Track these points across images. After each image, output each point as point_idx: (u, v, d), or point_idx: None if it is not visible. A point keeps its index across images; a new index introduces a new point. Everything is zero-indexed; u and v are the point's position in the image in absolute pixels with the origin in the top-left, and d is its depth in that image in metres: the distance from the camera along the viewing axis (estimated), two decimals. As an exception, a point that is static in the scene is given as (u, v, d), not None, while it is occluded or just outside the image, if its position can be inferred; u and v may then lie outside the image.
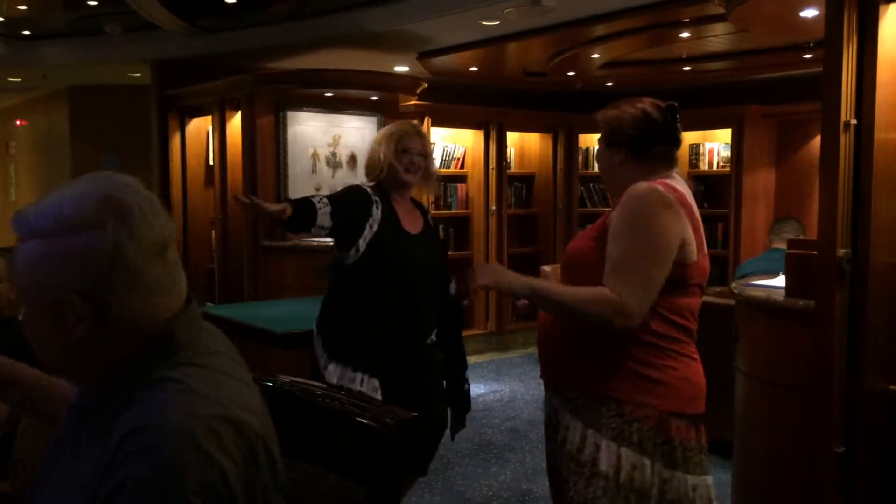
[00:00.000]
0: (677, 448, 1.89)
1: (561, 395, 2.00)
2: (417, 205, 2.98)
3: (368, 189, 2.77)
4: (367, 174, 2.87)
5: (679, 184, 1.95)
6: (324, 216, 2.61)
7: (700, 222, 1.92)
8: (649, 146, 1.97)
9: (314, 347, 2.82)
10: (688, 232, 1.86)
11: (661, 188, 1.88)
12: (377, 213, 2.71)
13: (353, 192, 2.79)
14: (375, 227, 2.70)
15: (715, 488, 1.97)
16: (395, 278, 2.69)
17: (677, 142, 2.02)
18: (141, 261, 1.03)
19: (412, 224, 2.84)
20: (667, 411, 1.88)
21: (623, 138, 2.00)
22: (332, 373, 2.70)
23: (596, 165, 7.31)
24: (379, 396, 2.63)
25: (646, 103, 2.03)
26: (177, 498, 0.90)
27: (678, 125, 2.04)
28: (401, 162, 2.78)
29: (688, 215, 1.88)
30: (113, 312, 1.02)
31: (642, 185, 1.89)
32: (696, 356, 1.96)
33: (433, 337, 2.87)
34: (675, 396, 1.89)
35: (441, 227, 3.07)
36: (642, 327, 1.86)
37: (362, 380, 2.66)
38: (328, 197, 2.72)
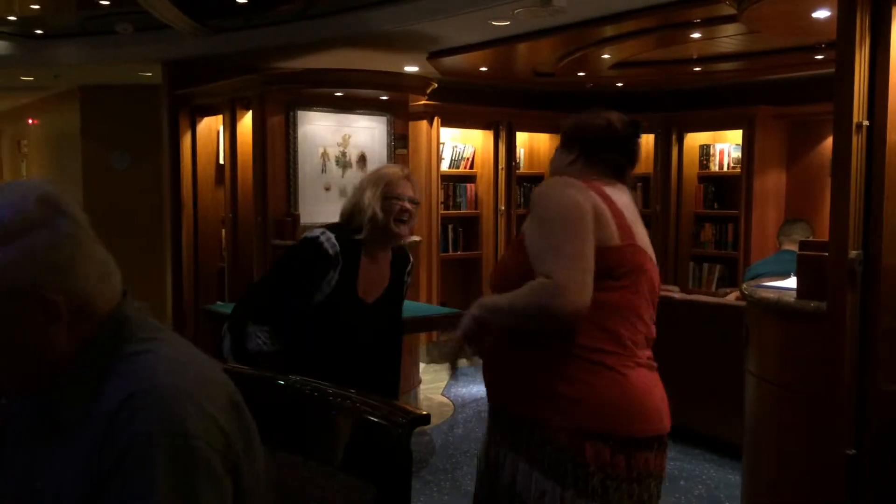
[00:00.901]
0: (594, 475, 1.70)
1: (497, 412, 1.91)
2: (398, 257, 2.74)
3: (332, 251, 2.50)
4: (347, 222, 2.60)
5: (612, 191, 1.87)
6: (269, 351, 2.47)
7: (631, 224, 1.83)
8: (603, 150, 1.93)
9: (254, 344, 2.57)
10: (600, 213, 1.76)
11: (566, 178, 1.85)
12: (334, 276, 2.51)
13: (307, 263, 2.52)
14: (328, 291, 2.52)
15: None
16: (340, 342, 2.54)
17: (632, 155, 1.97)
18: (90, 247, 1.10)
19: (372, 288, 2.63)
20: (582, 431, 1.70)
21: (579, 140, 1.97)
22: None
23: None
24: None
25: (612, 115, 1.99)
26: (185, 444, 0.97)
27: (637, 141, 2.00)
28: (390, 211, 2.54)
29: (603, 198, 1.80)
30: (81, 301, 1.05)
31: (548, 180, 1.88)
32: (628, 368, 1.75)
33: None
34: (592, 415, 1.71)
35: (407, 280, 2.80)
36: (570, 339, 1.73)
37: None
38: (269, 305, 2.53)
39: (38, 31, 5.70)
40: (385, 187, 2.56)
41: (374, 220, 2.54)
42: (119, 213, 6.99)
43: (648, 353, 1.84)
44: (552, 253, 1.71)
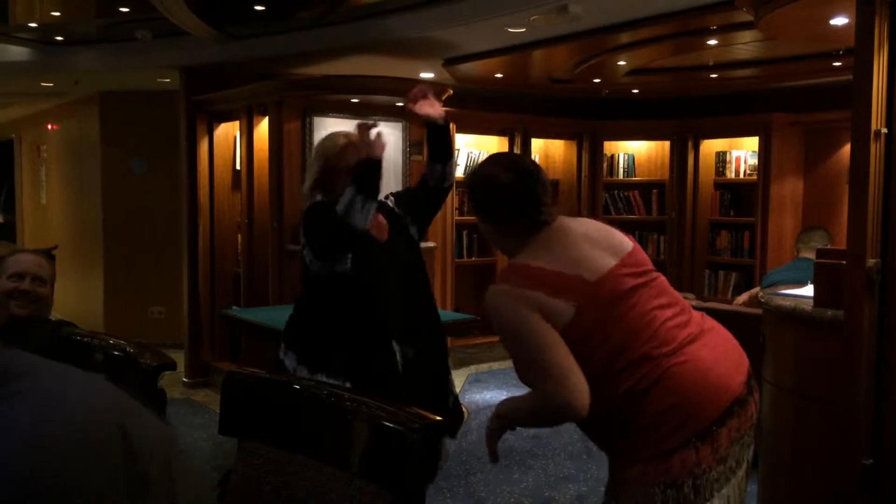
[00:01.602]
0: (686, 483, 1.74)
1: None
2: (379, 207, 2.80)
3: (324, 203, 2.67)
4: (328, 192, 2.72)
5: (540, 251, 1.86)
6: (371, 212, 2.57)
7: (570, 274, 1.80)
8: (514, 217, 1.90)
9: (284, 361, 2.73)
10: (543, 302, 1.77)
11: (502, 286, 1.84)
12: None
13: (325, 217, 2.62)
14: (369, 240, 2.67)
15: (735, 495, 1.84)
16: (379, 285, 2.67)
17: (538, 205, 1.89)
18: None
19: (378, 231, 2.74)
20: (664, 451, 1.74)
21: (487, 212, 1.95)
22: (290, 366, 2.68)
23: (621, 173, 7.31)
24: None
25: (498, 169, 1.93)
26: None
27: (538, 186, 1.90)
28: (335, 181, 2.69)
29: (534, 284, 1.79)
30: None
31: (490, 293, 1.85)
32: (682, 362, 1.77)
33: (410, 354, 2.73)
34: (662, 433, 1.75)
35: (390, 200, 2.91)
36: (602, 399, 1.75)
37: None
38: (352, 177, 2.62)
39: (59, 38, 5.77)
40: (326, 159, 2.75)
41: (333, 191, 2.68)
42: (137, 218, 7.05)
43: (689, 330, 1.84)
44: (533, 369, 1.77)
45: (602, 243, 1.89)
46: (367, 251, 2.66)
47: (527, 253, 1.88)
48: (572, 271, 1.81)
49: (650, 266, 1.93)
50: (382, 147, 2.61)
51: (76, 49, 5.92)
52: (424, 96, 2.74)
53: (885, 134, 2.23)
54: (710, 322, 1.92)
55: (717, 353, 1.84)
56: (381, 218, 2.76)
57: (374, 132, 2.60)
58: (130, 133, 7.07)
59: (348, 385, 2.51)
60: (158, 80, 6.33)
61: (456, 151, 6.51)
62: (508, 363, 6.53)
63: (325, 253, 2.64)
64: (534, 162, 2.00)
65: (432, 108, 2.73)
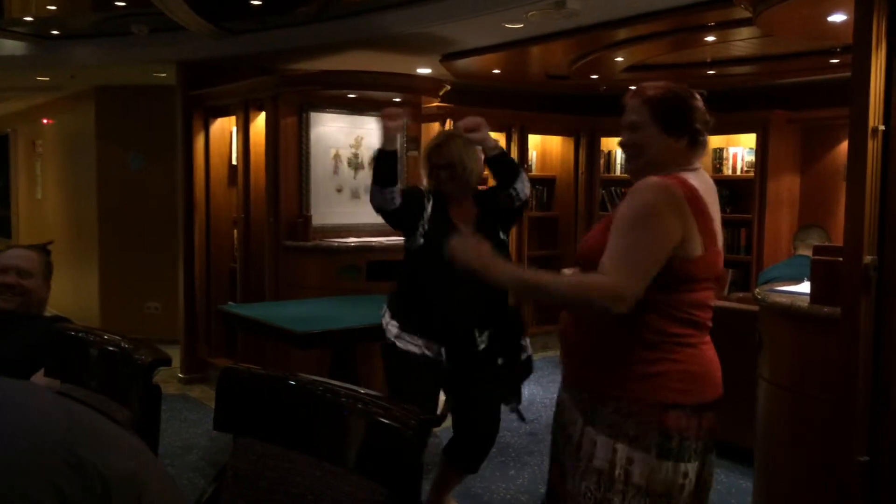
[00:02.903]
0: (674, 438, 1.91)
1: (573, 394, 2.06)
2: (479, 198, 3.16)
3: (423, 188, 3.15)
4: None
5: (697, 177, 1.98)
6: (398, 193, 3.03)
7: (714, 217, 1.95)
8: (700, 132, 2.02)
9: (382, 315, 3.14)
10: (690, 228, 1.89)
11: (671, 183, 1.91)
12: (429, 207, 3.08)
13: (411, 189, 3.20)
14: (427, 219, 3.05)
15: (712, 471, 2.05)
16: (443, 264, 2.81)
17: (707, 127, 2.07)
18: None
19: (465, 219, 3.06)
20: (665, 403, 1.90)
21: (685, 124, 2.01)
22: (395, 336, 3.04)
23: (619, 169, 7.30)
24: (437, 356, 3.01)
25: (689, 91, 2.06)
26: None
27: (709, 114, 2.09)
28: (429, 175, 3.13)
29: (695, 211, 1.90)
30: None
31: (652, 181, 1.92)
32: (703, 344, 1.98)
33: (486, 338, 3.06)
34: (674, 388, 1.91)
35: (502, 195, 3.14)
36: (647, 326, 1.91)
37: (421, 343, 2.99)
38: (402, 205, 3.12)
39: (54, 32, 5.75)
40: (426, 158, 3.16)
41: (430, 185, 3.16)
42: (133, 213, 7.03)
43: (711, 326, 2.04)
44: (621, 254, 1.87)
45: (718, 222, 2.02)
46: (442, 235, 2.86)
47: (693, 178, 1.96)
48: (715, 227, 1.96)
49: None
50: (389, 138, 3.05)
51: (72, 43, 5.89)
52: (477, 127, 2.94)
53: (883, 131, 2.22)
54: None
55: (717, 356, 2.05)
56: (470, 208, 3.11)
57: (392, 123, 3.01)
58: (126, 128, 7.05)
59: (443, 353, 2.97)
60: (154, 74, 6.31)
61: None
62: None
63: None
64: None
65: (479, 134, 2.94)
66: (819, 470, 2.55)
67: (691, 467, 1.95)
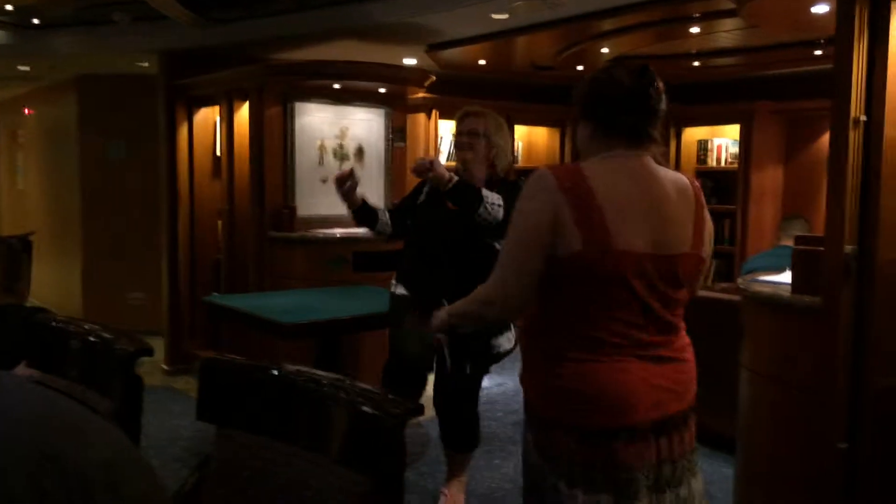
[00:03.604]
0: (562, 459, 1.76)
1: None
2: (503, 187, 3.11)
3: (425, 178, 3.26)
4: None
5: (605, 165, 1.77)
6: (384, 225, 3.30)
7: (609, 210, 1.70)
8: (615, 114, 1.79)
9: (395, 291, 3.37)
10: (563, 220, 1.69)
11: (547, 172, 1.76)
12: (425, 189, 3.28)
13: (416, 186, 3.40)
14: (420, 202, 3.28)
15: None
16: (426, 244, 3.20)
17: (648, 113, 1.80)
18: None
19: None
20: (554, 420, 1.79)
21: (590, 106, 1.85)
22: (393, 286, 3.35)
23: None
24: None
25: (616, 68, 1.85)
26: None
27: (651, 93, 1.80)
28: (455, 145, 3.29)
29: (575, 203, 1.70)
30: None
31: (536, 171, 1.80)
32: (607, 363, 1.73)
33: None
34: (559, 407, 1.77)
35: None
36: (541, 333, 1.80)
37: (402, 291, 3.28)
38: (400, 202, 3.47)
39: (35, 21, 5.68)
40: (456, 126, 3.30)
41: (456, 156, 3.32)
42: (115, 203, 6.98)
43: (645, 341, 1.77)
44: (505, 258, 1.81)
45: (666, 223, 1.77)
46: (429, 213, 3.24)
47: (597, 166, 1.79)
48: (611, 221, 1.71)
49: (680, 279, 1.79)
50: (347, 201, 3.26)
51: (53, 32, 5.83)
52: (425, 169, 2.98)
53: (865, 122, 2.24)
54: (685, 354, 1.87)
55: (654, 381, 1.78)
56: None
57: (341, 189, 3.19)
58: (108, 118, 6.99)
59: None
60: (137, 64, 6.25)
61: (439, 138, 6.50)
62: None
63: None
64: (654, 78, 1.83)
65: (434, 173, 2.95)
66: (799, 457, 2.58)
67: (599, 498, 1.74)
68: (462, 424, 3.34)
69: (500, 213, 2.95)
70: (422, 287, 3.21)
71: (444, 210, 3.15)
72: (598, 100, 1.83)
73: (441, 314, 2.06)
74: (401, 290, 3.33)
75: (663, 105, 1.83)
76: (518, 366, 1.99)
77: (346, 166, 5.35)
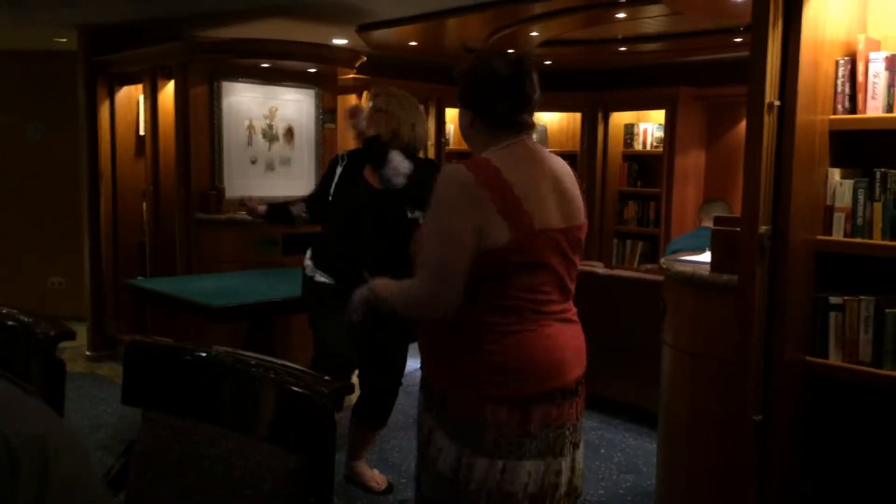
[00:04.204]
0: (488, 432, 1.82)
1: (421, 387, 2.04)
2: (420, 166, 3.23)
3: (344, 154, 3.37)
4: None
5: (510, 153, 1.85)
6: (299, 217, 3.45)
7: (522, 196, 1.80)
8: (493, 103, 1.85)
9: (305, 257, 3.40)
10: (488, 216, 1.76)
11: (462, 169, 1.80)
12: (339, 170, 3.29)
13: (329, 165, 3.42)
14: (336, 181, 3.28)
15: (540, 475, 1.86)
16: (347, 219, 3.22)
17: (525, 101, 1.86)
18: None
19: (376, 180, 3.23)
20: (482, 396, 1.83)
21: (468, 96, 1.91)
22: (311, 272, 3.32)
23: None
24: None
25: (494, 56, 1.90)
26: None
27: (528, 81, 1.86)
28: (369, 118, 3.28)
29: (494, 196, 1.77)
30: None
31: (445, 170, 1.84)
32: (528, 332, 1.83)
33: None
34: (489, 380, 1.82)
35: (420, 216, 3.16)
36: (465, 316, 1.82)
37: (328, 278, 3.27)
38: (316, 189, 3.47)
39: (-58, -9, 5.38)
40: (368, 102, 3.37)
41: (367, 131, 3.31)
42: (33, 184, 6.70)
43: (558, 309, 1.90)
44: (429, 258, 1.84)
45: (565, 197, 1.90)
46: (347, 192, 3.27)
47: (499, 157, 1.84)
48: (528, 206, 1.81)
49: (580, 246, 1.97)
50: (255, 215, 3.71)
51: (-39, 4, 5.53)
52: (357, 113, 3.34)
53: (778, 106, 2.33)
54: (576, 318, 1.99)
55: (571, 343, 1.92)
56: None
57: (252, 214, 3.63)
58: (24, 96, 6.69)
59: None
60: (55, 39, 6.00)
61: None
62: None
63: None
64: (531, 66, 1.89)
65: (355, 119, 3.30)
66: (717, 429, 2.70)
67: (523, 465, 1.83)
68: (394, 398, 3.40)
69: (401, 182, 3.16)
70: (349, 265, 3.20)
71: (361, 184, 3.22)
72: (479, 89, 1.89)
73: (363, 291, 2.04)
74: (321, 277, 3.28)
75: (538, 94, 1.90)
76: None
77: (276, 147, 5.28)
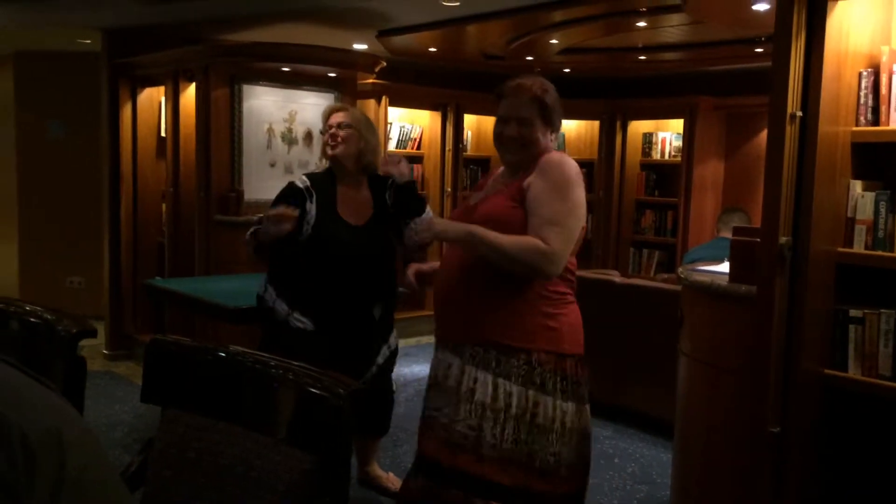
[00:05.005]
0: (569, 383, 2.25)
1: (463, 351, 2.26)
2: (375, 185, 3.12)
3: (302, 185, 3.04)
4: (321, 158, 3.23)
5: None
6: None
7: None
8: (558, 119, 2.38)
9: (264, 294, 3.13)
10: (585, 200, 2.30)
11: (573, 161, 2.29)
12: (312, 207, 3.00)
13: (284, 193, 3.05)
14: (313, 218, 2.98)
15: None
16: (329, 261, 2.99)
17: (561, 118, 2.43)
18: None
19: (357, 212, 3.06)
20: (564, 353, 2.25)
21: (558, 120, 2.38)
22: (286, 314, 3.04)
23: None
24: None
25: (550, 86, 2.36)
26: None
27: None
28: (325, 142, 3.07)
29: (584, 191, 2.30)
30: None
31: (563, 157, 2.28)
32: (576, 303, 2.35)
33: (380, 308, 3.16)
34: (569, 340, 2.27)
35: (388, 193, 3.18)
36: (544, 285, 2.22)
37: (308, 321, 3.00)
38: (254, 226, 2.99)
39: (-30, -8, 5.46)
40: (323, 122, 3.13)
41: (325, 152, 3.10)
42: (54, 184, 6.78)
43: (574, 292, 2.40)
44: (562, 229, 2.18)
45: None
46: (328, 233, 3.00)
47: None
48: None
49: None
50: (273, 235, 2.90)
51: (-11, 5, 5.61)
52: (395, 162, 2.94)
53: (800, 117, 2.32)
54: None
55: None
56: (362, 197, 3.11)
57: (284, 226, 2.86)
58: (48, 96, 6.78)
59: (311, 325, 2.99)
60: (79, 40, 6.07)
61: (388, 125, 6.48)
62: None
63: None
64: None
65: (396, 168, 2.92)
66: (733, 441, 2.67)
67: (581, 408, 2.30)
68: (392, 403, 3.46)
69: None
70: (354, 300, 3.05)
71: (342, 223, 3.03)
72: (556, 107, 2.37)
73: (460, 227, 2.24)
74: (298, 321, 3.01)
75: None
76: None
77: (295, 150, 5.31)
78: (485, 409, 2.21)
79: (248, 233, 3.03)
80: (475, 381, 2.23)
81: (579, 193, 2.24)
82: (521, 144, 2.31)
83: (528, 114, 2.29)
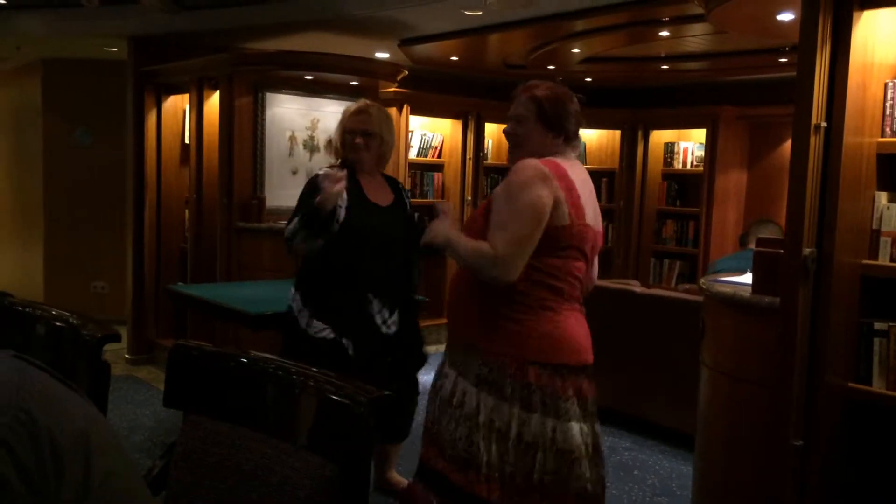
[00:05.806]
0: (535, 393, 2.15)
1: (450, 350, 2.34)
2: (390, 180, 3.26)
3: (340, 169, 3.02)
4: (333, 154, 3.24)
5: (569, 165, 2.26)
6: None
7: (580, 194, 2.23)
8: (567, 125, 2.30)
9: (292, 302, 3.11)
10: (558, 198, 2.16)
11: (540, 163, 2.20)
12: (343, 196, 2.97)
13: (312, 184, 3.04)
14: (345, 202, 2.98)
15: (583, 436, 2.20)
16: (364, 242, 3.02)
17: (579, 124, 2.35)
18: None
19: (381, 196, 3.14)
20: (525, 359, 2.16)
21: (563, 120, 2.29)
22: (307, 323, 3.02)
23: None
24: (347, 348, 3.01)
25: (568, 90, 2.33)
26: None
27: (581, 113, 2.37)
28: (344, 143, 3.12)
29: (563, 186, 2.18)
30: None
31: (525, 161, 2.21)
32: (564, 310, 2.22)
33: (396, 319, 3.14)
34: (533, 346, 2.17)
35: (417, 214, 3.32)
36: (514, 286, 2.16)
37: (328, 333, 2.98)
38: (302, 211, 2.95)
39: (1, 1, 5.56)
40: (343, 124, 3.15)
41: (344, 151, 3.14)
42: (80, 190, 6.87)
43: (579, 299, 2.32)
44: (506, 231, 2.14)
45: (595, 205, 2.34)
46: (366, 211, 3.04)
47: (562, 161, 2.25)
48: (582, 201, 2.24)
49: (598, 252, 2.41)
50: (330, 201, 2.87)
51: (19, 13, 5.70)
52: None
53: (825, 128, 2.30)
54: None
55: (586, 329, 2.34)
56: (383, 187, 3.18)
57: (336, 187, 2.83)
58: (74, 103, 6.88)
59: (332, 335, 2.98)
60: (105, 48, 6.16)
61: (410, 133, 6.51)
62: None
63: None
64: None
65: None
66: (755, 453, 2.65)
67: (560, 426, 2.16)
68: (414, 408, 3.43)
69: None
70: (386, 291, 3.07)
71: (372, 204, 3.09)
72: (569, 119, 2.31)
73: (443, 232, 2.29)
74: (320, 330, 2.97)
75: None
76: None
77: (317, 158, 5.34)
78: (447, 404, 2.26)
79: (291, 228, 2.95)
80: (446, 377, 2.30)
81: (531, 195, 2.12)
82: (514, 144, 2.33)
83: (523, 112, 2.29)
